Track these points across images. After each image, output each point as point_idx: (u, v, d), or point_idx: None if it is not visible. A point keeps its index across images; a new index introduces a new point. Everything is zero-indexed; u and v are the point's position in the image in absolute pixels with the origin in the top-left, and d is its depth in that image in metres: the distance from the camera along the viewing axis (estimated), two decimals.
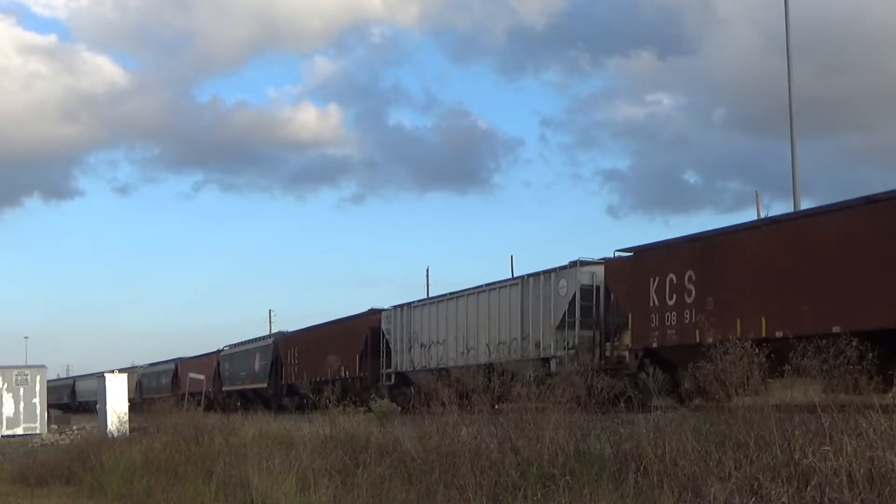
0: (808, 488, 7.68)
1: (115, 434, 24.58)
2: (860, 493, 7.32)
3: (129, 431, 24.90)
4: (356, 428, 15.43)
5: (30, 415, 35.45)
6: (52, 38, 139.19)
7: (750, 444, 8.76)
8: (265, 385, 46.96)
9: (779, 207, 54.70)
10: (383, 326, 35.43)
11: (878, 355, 11.13)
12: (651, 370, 15.19)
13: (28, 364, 41.36)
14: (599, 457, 10.24)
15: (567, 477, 9.56)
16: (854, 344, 9.94)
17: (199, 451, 16.70)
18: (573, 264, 25.48)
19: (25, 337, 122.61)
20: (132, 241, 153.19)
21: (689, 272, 20.93)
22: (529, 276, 27.27)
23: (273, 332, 50.50)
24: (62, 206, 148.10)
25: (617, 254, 24.38)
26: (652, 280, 21.93)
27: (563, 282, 25.62)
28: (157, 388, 62.46)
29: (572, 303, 25.12)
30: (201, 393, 45.84)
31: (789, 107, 28.86)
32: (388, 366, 34.62)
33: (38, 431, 34.58)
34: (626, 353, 23.05)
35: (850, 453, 7.72)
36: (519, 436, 11.17)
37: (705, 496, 8.18)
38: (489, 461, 10.94)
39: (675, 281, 21.36)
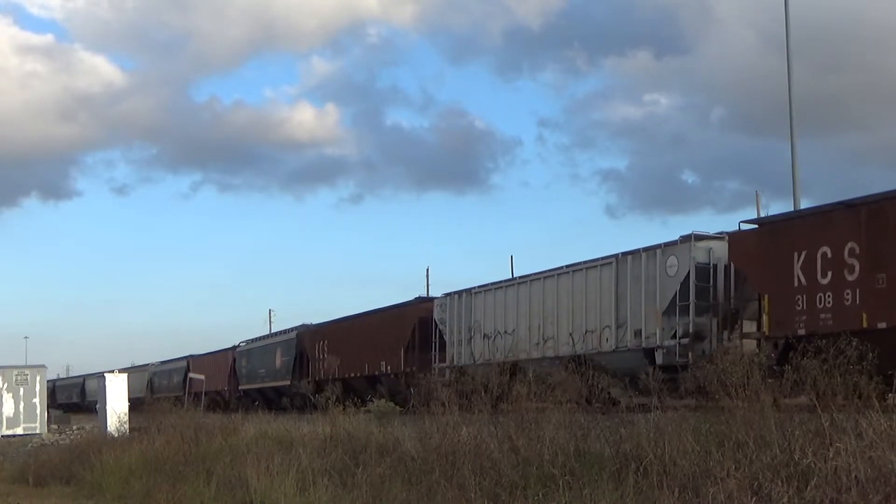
0: (808, 488, 7.68)
1: (115, 434, 24.57)
2: (860, 494, 7.32)
3: (129, 431, 24.88)
4: (356, 428, 15.42)
5: (30, 415, 35.40)
6: (48, 38, 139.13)
7: (750, 443, 8.76)
8: (288, 383, 42.89)
9: (777, 207, 54.81)
10: (436, 316, 31.49)
11: None
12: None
13: (28, 364, 41.30)
14: (599, 457, 10.24)
15: (567, 477, 9.56)
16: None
17: (199, 451, 16.69)
18: (686, 239, 22.17)
19: (25, 337, 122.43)
20: (131, 242, 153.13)
21: (851, 244, 18.05)
22: (626, 254, 24.01)
23: (296, 325, 45.24)
24: (60, 207, 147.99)
25: (743, 226, 21.28)
26: (796, 255, 18.96)
27: (672, 259, 22.28)
28: (168, 386, 59.71)
29: (685, 283, 21.70)
30: (202, 393, 45.79)
31: (789, 107, 28.83)
32: (442, 360, 30.75)
33: (38, 431, 34.52)
34: (753, 342, 19.88)
35: (850, 453, 7.72)
36: (519, 436, 11.17)
37: (705, 496, 8.17)
38: (489, 461, 10.94)
39: (829, 255, 18.41)
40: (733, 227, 21.86)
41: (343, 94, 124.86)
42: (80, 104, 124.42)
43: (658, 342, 22.18)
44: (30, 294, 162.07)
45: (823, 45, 69.30)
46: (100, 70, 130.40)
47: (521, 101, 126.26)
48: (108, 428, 26.67)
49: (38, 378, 36.26)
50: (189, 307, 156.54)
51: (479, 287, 29.77)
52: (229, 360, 52.29)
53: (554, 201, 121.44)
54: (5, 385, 35.33)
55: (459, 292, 30.63)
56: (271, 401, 42.84)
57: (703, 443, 9.27)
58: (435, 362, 30.76)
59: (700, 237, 22.00)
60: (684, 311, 21.67)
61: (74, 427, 36.21)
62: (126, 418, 26.40)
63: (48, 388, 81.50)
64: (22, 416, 35.23)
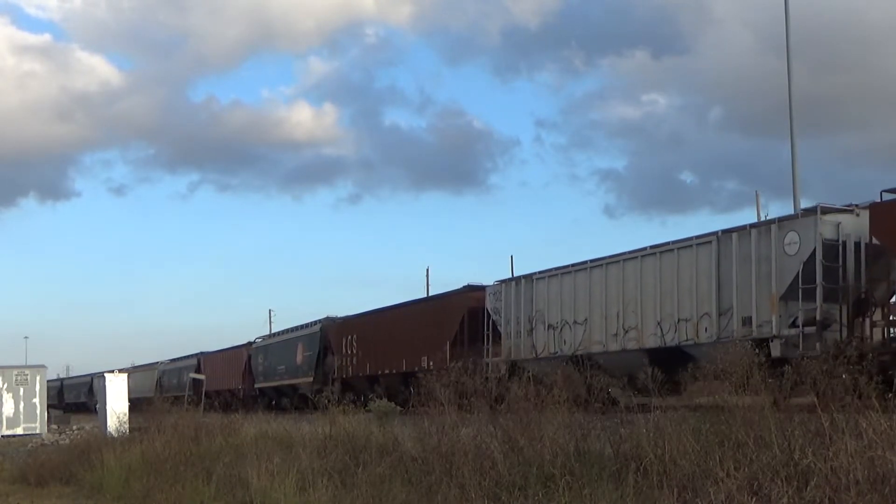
0: (808, 488, 7.68)
1: (115, 434, 24.56)
2: (860, 494, 7.32)
3: (129, 431, 24.88)
4: (356, 428, 15.42)
5: (30, 415, 35.41)
6: (46, 38, 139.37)
7: (749, 443, 8.76)
8: (310, 380, 39.63)
9: (775, 207, 54.78)
10: (489, 305, 28.17)
11: None
12: (650, 370, 12.94)
13: (28, 364, 41.30)
14: (599, 457, 10.25)
15: (567, 477, 9.56)
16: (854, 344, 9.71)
17: (199, 451, 16.69)
18: (809, 212, 19.42)
19: (25, 337, 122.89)
20: (130, 242, 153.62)
21: None
22: (729, 231, 21.03)
23: (320, 318, 41.62)
24: (59, 207, 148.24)
25: (885, 196, 18.49)
26: None
27: (792, 236, 19.33)
28: (178, 385, 57.01)
29: (809, 263, 18.86)
30: (202, 392, 45.67)
31: (789, 107, 28.85)
32: (496, 353, 27.58)
33: (37, 431, 34.54)
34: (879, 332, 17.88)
35: (850, 453, 7.72)
36: (519, 436, 11.17)
37: (705, 496, 8.17)
38: (489, 461, 10.93)
39: None
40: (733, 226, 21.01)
41: (341, 94, 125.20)
42: (77, 104, 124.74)
43: (774, 331, 19.37)
44: (30, 294, 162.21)
45: (820, 45, 69.41)
46: (97, 70, 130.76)
47: (518, 100, 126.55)
48: (108, 428, 26.68)
49: (38, 378, 36.27)
50: (188, 307, 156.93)
51: (542, 272, 26.42)
52: (243, 358, 49.80)
53: (552, 201, 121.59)
54: (5, 385, 35.34)
55: (517, 278, 27.49)
56: (289, 398, 40.98)
57: (703, 443, 9.27)
58: (487, 356, 27.40)
59: (827, 209, 19.20)
60: (808, 295, 18.79)
61: (74, 427, 36.24)
62: (126, 418, 26.40)
63: (56, 388, 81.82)
64: (22, 417, 35.25)
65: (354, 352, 36.44)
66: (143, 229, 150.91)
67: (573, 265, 25.54)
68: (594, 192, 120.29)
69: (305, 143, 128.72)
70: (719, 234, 21.38)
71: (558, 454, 10.34)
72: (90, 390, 76.50)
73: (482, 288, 29.39)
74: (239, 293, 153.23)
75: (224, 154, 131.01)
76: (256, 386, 46.97)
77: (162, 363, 63.86)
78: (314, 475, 12.30)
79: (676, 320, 21.92)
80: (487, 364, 26.28)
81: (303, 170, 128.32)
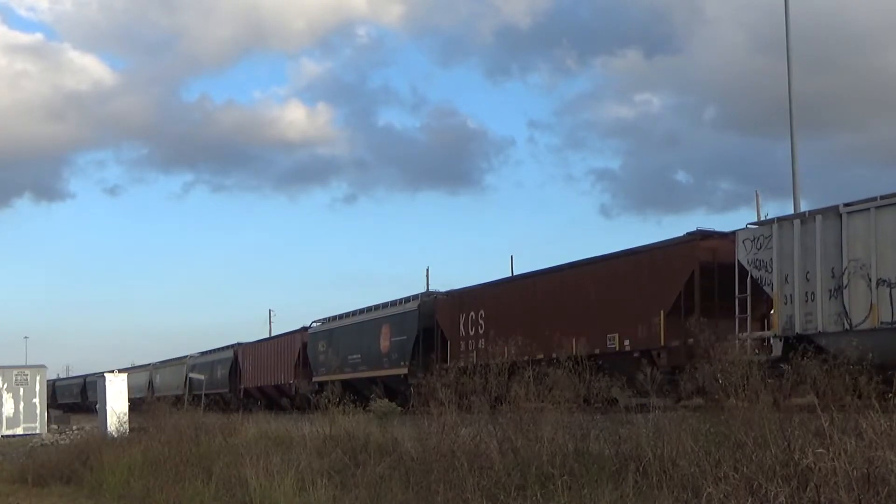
0: (808, 488, 7.67)
1: (115, 434, 24.58)
2: (858, 494, 7.31)
3: (129, 431, 24.89)
4: (355, 428, 15.42)
5: (30, 415, 35.44)
6: (38, 37, 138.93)
7: (749, 444, 8.75)
8: (404, 370, 31.09)
9: (771, 207, 54.70)
10: (743, 257, 19.58)
11: None
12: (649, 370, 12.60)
13: (28, 364, 41.33)
14: (599, 457, 10.24)
15: (566, 477, 9.56)
16: (854, 343, 9.60)
17: (199, 451, 16.70)
18: None
19: (25, 337, 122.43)
20: (127, 243, 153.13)
21: None
22: None
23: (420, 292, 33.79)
24: (53, 208, 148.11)
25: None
26: None
27: None
28: (210, 382, 48.77)
29: None
30: (202, 393, 45.31)
31: (789, 107, 28.81)
32: (759, 326, 19.99)
33: (38, 431, 34.56)
34: None
35: (849, 453, 7.72)
36: (518, 436, 11.17)
37: (705, 496, 8.17)
38: (488, 461, 10.93)
39: None
40: (732, 227, 19.72)
41: (334, 94, 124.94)
42: (70, 104, 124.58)
43: None
44: (29, 294, 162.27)
45: (813, 44, 69.28)
46: (90, 69, 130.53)
47: (512, 100, 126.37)
48: (108, 428, 26.70)
49: (38, 378, 36.31)
50: (188, 307, 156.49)
51: (859, 202, 17.79)
52: (296, 346, 41.40)
53: (548, 201, 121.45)
54: (5, 385, 35.37)
55: (804, 214, 19.13)
56: (362, 396, 29.43)
57: (702, 443, 9.27)
58: (745, 330, 19.17)
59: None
60: None
61: (74, 427, 36.23)
62: (126, 418, 26.43)
63: (48, 388, 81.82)
64: (22, 416, 35.28)
65: (482, 332, 27.68)
66: (139, 230, 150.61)
67: None
68: (589, 192, 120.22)
69: (299, 143, 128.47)
70: None
71: (557, 455, 10.34)
72: (83, 390, 76.58)
73: (724, 235, 21.38)
74: (237, 293, 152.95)
75: (218, 154, 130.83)
76: (315, 380, 37.90)
77: (191, 357, 56.23)
78: (313, 475, 12.30)
79: None
80: (746, 341, 17.99)
81: (297, 170, 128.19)
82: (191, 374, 50.43)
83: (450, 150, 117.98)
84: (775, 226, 19.22)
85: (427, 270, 73.48)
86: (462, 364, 23.44)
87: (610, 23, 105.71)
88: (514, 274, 27.68)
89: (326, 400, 16.90)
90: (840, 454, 7.71)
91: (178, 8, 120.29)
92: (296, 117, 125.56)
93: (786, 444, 8.42)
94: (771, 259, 19.19)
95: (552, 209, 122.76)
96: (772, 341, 18.69)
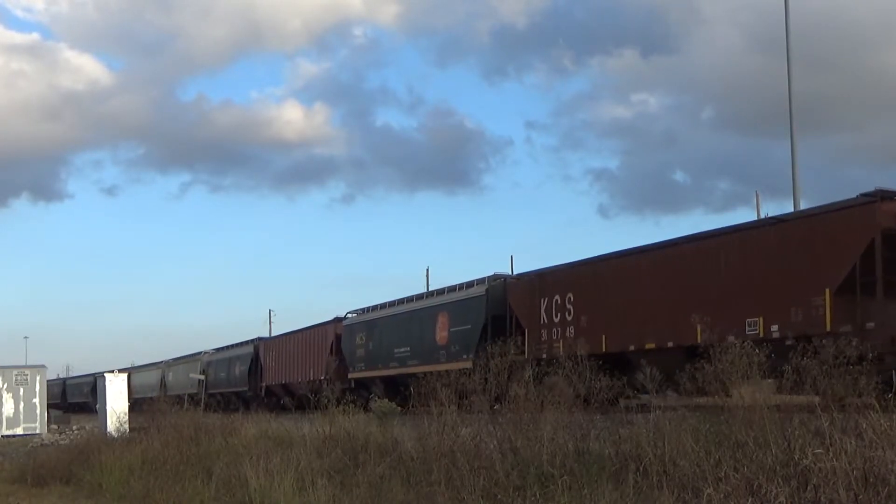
0: (808, 488, 7.67)
1: (115, 434, 24.58)
2: (858, 494, 7.31)
3: (129, 431, 24.89)
4: (355, 428, 15.41)
5: (30, 415, 35.44)
6: (34, 37, 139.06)
7: (749, 444, 8.75)
8: (468, 364, 24.12)
9: (769, 207, 54.54)
10: None
11: None
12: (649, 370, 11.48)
13: (28, 364, 41.33)
14: (599, 457, 10.24)
15: (566, 477, 9.56)
16: (854, 343, 9.59)
17: (199, 451, 16.70)
18: None
19: (25, 337, 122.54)
20: (125, 243, 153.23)
21: None
22: None
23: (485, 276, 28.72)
24: (51, 208, 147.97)
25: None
26: None
27: None
28: (227, 380, 46.08)
29: None
30: (202, 393, 45.25)
31: (789, 107, 28.85)
32: None
33: (37, 431, 34.57)
34: None
35: (849, 453, 7.72)
36: (518, 436, 11.16)
37: (705, 496, 8.17)
38: (488, 461, 10.93)
39: None
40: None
41: (331, 94, 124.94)
42: (66, 103, 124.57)
43: None
44: (29, 294, 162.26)
45: (811, 44, 69.28)
46: (86, 69, 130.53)
47: (509, 100, 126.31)
48: (108, 428, 26.71)
49: (38, 378, 36.31)
50: (187, 307, 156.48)
51: None
52: (329, 339, 37.39)
53: (546, 201, 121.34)
54: (5, 385, 35.37)
55: None
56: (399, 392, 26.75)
57: (702, 443, 9.26)
58: None
59: None
60: None
61: (74, 427, 36.24)
62: (126, 418, 26.43)
63: (59, 387, 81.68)
64: (22, 417, 35.28)
65: (570, 319, 23.84)
66: (137, 230, 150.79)
67: None
68: (587, 191, 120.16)
69: (297, 143, 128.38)
70: None
71: (557, 454, 10.34)
72: (93, 389, 76.08)
73: None
74: (236, 293, 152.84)
75: (215, 154, 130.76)
76: (351, 376, 34.32)
77: (206, 353, 52.71)
78: (313, 475, 12.30)
79: None
80: None
81: (295, 170, 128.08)
82: (191, 374, 50.24)
83: (447, 151, 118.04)
84: None
85: (427, 271, 73.31)
86: (544, 356, 22.20)
87: (606, 23, 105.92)
88: (635, 246, 23.00)
89: (326, 399, 16.81)
90: (840, 454, 7.71)
91: (174, 8, 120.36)
92: (293, 117, 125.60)
93: (786, 444, 8.42)
94: None
95: (550, 209, 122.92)
96: None
